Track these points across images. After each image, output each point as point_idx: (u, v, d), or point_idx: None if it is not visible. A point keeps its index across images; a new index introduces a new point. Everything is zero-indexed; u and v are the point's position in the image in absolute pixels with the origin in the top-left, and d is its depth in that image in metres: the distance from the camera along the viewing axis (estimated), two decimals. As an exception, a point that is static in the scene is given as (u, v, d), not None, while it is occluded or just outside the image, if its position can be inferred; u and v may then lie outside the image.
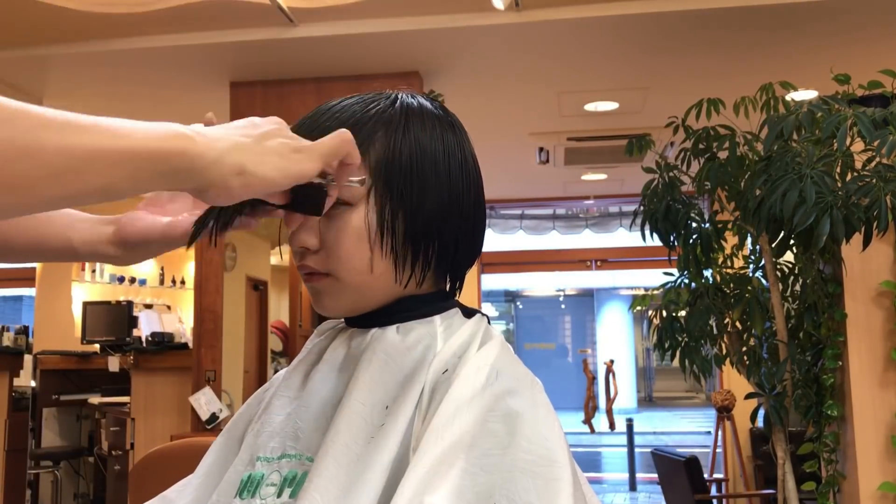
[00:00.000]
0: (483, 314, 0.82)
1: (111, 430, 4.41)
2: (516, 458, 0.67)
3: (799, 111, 2.53)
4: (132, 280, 6.76)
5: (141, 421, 3.94)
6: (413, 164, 0.76)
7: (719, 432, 5.52)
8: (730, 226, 2.96)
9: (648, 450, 4.94)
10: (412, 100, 0.80)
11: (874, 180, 2.35)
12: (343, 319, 0.84)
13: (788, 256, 2.93)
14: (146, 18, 3.19)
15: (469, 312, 0.82)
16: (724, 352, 3.05)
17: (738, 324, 2.99)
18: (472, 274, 0.87)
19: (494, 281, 16.61)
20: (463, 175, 0.80)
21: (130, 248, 0.83)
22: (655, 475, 4.57)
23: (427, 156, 0.77)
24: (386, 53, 3.54)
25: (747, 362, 2.95)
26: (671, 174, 2.93)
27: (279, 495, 0.73)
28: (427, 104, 0.81)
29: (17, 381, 4.83)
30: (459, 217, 0.79)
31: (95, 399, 4.97)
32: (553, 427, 0.71)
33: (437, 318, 0.79)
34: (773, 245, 2.71)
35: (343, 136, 0.69)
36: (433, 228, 0.78)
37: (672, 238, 2.94)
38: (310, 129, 0.76)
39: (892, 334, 2.72)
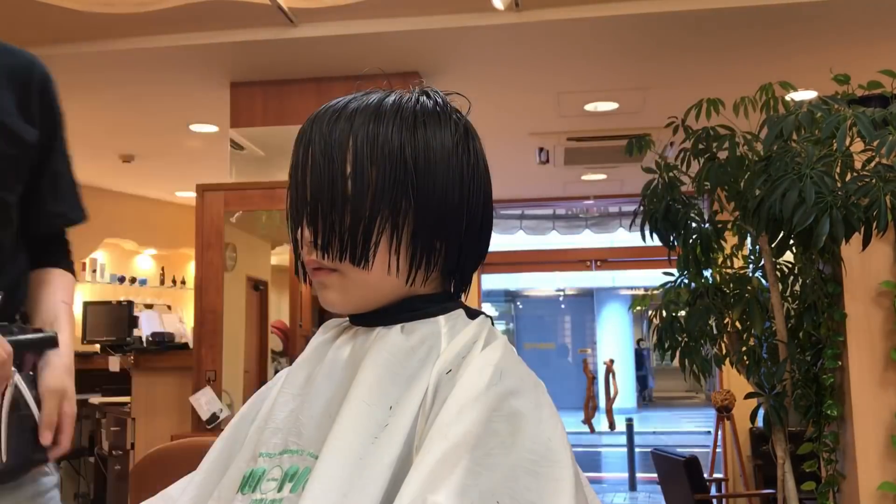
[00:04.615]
0: (487, 315, 0.83)
1: (112, 430, 4.41)
2: (519, 458, 0.67)
3: (799, 111, 2.52)
4: (133, 280, 6.75)
5: (141, 421, 3.94)
6: (425, 163, 0.77)
7: (719, 432, 5.52)
8: (729, 226, 2.95)
9: (648, 450, 4.94)
10: (428, 100, 0.81)
11: (874, 180, 2.35)
12: (347, 318, 0.84)
13: (788, 256, 2.93)
14: (146, 18, 3.19)
15: (473, 313, 0.82)
16: (724, 352, 3.05)
17: (737, 324, 2.99)
18: (472, 274, 0.88)
19: (494, 281, 16.59)
20: (473, 177, 0.81)
21: None
22: (655, 475, 4.57)
23: (439, 156, 0.77)
24: (386, 53, 3.54)
25: (747, 362, 2.95)
26: (671, 174, 2.93)
27: (280, 490, 0.74)
28: (442, 104, 0.82)
29: (17, 382, 4.83)
30: (468, 218, 0.80)
31: (96, 399, 4.96)
32: (556, 428, 0.71)
33: (441, 319, 0.79)
34: (773, 245, 2.71)
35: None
36: (442, 228, 0.78)
37: (672, 238, 2.93)
38: (330, 123, 0.78)
39: (892, 334, 2.72)
